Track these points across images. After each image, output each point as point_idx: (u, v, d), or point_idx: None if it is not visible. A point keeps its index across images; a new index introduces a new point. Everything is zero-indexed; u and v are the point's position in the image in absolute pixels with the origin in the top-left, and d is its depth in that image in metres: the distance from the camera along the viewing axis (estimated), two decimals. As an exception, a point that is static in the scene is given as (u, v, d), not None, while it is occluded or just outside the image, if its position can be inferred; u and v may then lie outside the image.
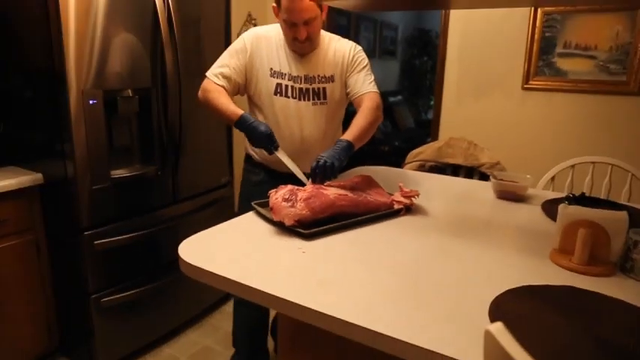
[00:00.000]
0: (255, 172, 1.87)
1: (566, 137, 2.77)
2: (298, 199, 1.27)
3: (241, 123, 1.58)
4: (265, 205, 1.38)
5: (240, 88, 1.75)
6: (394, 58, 7.05)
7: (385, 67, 6.86)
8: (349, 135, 1.56)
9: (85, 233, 1.91)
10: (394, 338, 0.79)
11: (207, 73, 1.72)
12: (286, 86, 1.71)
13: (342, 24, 5.58)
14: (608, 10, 2.53)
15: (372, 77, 1.77)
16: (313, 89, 1.72)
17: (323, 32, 1.75)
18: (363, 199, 1.37)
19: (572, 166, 2.10)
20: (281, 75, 1.71)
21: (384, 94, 6.67)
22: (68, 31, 1.72)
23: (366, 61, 1.79)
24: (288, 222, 1.23)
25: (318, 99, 1.74)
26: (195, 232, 1.27)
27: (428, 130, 3.63)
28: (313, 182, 1.42)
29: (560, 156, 2.29)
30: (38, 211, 1.99)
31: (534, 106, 2.84)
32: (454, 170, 2.31)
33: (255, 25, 3.36)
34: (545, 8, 2.65)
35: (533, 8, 2.70)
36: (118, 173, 2.03)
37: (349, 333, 0.85)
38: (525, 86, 2.83)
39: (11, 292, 1.93)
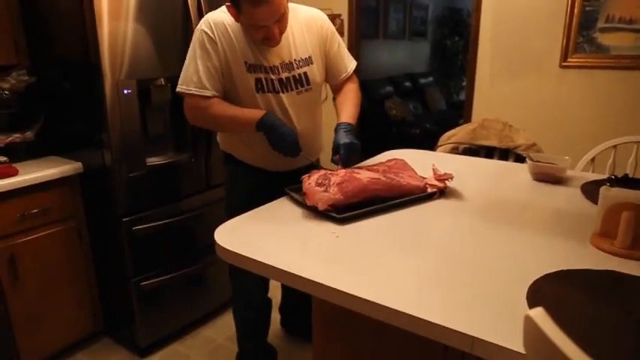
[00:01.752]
0: (248, 173, 1.67)
1: (607, 116, 2.66)
2: (331, 183, 1.27)
3: (266, 126, 1.43)
4: (298, 190, 1.39)
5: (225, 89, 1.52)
6: (424, 39, 6.91)
7: (415, 49, 6.74)
8: (349, 117, 1.54)
9: (124, 220, 1.97)
10: (433, 322, 0.79)
11: (185, 88, 1.46)
12: (266, 80, 1.49)
13: (371, 5, 5.49)
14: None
15: (344, 46, 1.67)
16: (294, 77, 1.52)
17: None
18: (396, 183, 1.36)
19: (614, 147, 2.02)
20: (257, 68, 1.48)
21: (414, 76, 6.54)
22: (102, 25, 1.76)
23: (333, 27, 1.63)
24: (321, 206, 1.23)
25: (302, 86, 1.55)
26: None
27: (460, 112, 3.56)
28: (344, 167, 1.42)
29: (600, 136, 2.20)
30: (79, 199, 2.07)
31: (573, 85, 2.73)
32: (488, 152, 2.26)
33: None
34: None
35: (572, -19, 2.58)
36: (153, 161, 2.08)
37: (384, 316, 0.85)
38: (563, 64, 2.73)
39: (56, 277, 2.03)
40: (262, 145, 1.51)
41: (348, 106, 1.57)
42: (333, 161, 1.46)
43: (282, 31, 1.44)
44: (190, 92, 1.47)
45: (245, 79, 1.49)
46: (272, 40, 1.43)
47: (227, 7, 1.44)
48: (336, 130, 1.51)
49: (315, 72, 1.59)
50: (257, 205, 1.35)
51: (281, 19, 1.40)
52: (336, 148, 1.45)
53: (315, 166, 1.53)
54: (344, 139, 1.44)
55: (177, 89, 1.50)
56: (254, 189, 1.60)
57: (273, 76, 1.51)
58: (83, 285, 2.14)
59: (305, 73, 1.56)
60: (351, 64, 1.67)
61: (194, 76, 1.46)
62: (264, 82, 1.50)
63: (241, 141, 1.64)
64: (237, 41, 1.46)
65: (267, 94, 1.52)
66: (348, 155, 1.43)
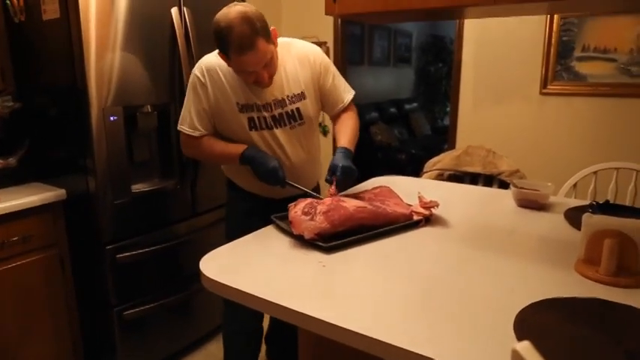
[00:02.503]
0: (244, 198, 1.73)
1: (587, 143, 2.73)
2: (317, 212, 1.27)
3: (246, 159, 1.51)
4: (284, 218, 1.39)
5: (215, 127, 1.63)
6: (409, 65, 7.05)
7: (400, 75, 6.86)
8: (347, 143, 1.57)
9: (107, 247, 1.94)
10: (418, 354, 0.78)
11: (181, 127, 1.60)
12: (258, 118, 1.56)
13: (355, 33, 5.60)
14: (627, 11, 2.49)
15: (342, 77, 1.70)
16: (287, 112, 1.58)
17: None
18: (382, 211, 1.37)
19: (595, 173, 2.07)
20: (249, 108, 1.55)
21: (399, 102, 6.63)
22: (89, 52, 1.76)
23: (329, 61, 1.67)
24: (307, 235, 1.23)
25: (295, 121, 1.60)
26: (215, 245, 1.28)
27: (445, 137, 3.61)
28: (339, 189, 1.45)
29: (581, 162, 2.25)
30: (62, 226, 2.03)
31: (553, 112, 2.80)
32: (473, 179, 2.29)
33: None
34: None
35: (549, 13, 2.68)
36: (139, 188, 2.06)
37: (371, 348, 0.84)
38: (543, 91, 2.80)
39: (36, 307, 1.97)
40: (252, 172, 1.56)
41: (347, 133, 1.61)
42: (327, 181, 1.48)
43: (271, 75, 1.49)
44: (184, 131, 1.60)
45: (238, 118, 1.56)
46: (262, 84, 1.49)
47: (218, 53, 1.50)
48: (335, 152, 1.54)
49: (309, 106, 1.62)
50: (252, 228, 1.39)
51: (269, 64, 1.45)
52: (333, 169, 1.46)
53: (311, 195, 1.53)
54: (342, 161, 1.47)
55: (178, 128, 1.63)
56: (250, 214, 1.65)
57: (266, 114, 1.56)
58: (64, 315, 2.08)
59: (297, 109, 1.60)
60: (347, 95, 1.69)
61: (187, 117, 1.59)
62: (257, 121, 1.57)
63: (237, 169, 1.68)
64: (228, 84, 1.54)
65: (262, 131, 1.58)
66: (345, 178, 1.45)
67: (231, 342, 1.90)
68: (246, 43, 1.36)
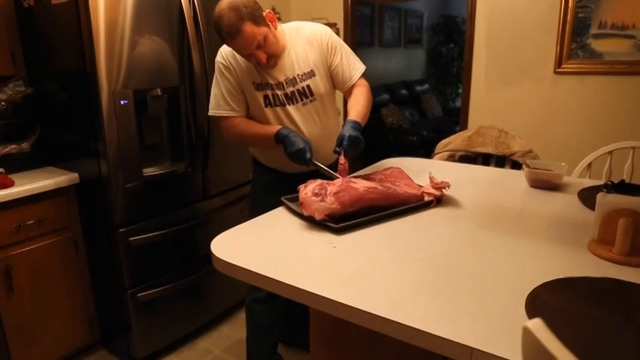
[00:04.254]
0: (266, 173, 1.84)
1: (602, 122, 2.67)
2: (328, 193, 1.27)
3: (280, 138, 1.60)
4: (295, 199, 1.39)
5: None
6: (420, 47, 6.94)
7: (411, 56, 6.77)
8: (355, 116, 1.59)
9: (120, 230, 1.96)
10: (430, 333, 0.79)
11: (215, 112, 1.69)
12: (273, 96, 1.66)
13: (365, 14, 5.52)
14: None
15: (352, 55, 1.74)
16: (298, 90, 1.67)
17: (283, 26, 1.69)
18: (392, 192, 1.36)
19: (610, 152, 2.03)
20: (264, 86, 1.66)
21: (410, 83, 6.56)
22: (98, 35, 1.76)
23: (340, 41, 1.73)
24: (318, 216, 1.23)
25: (306, 98, 1.69)
26: (226, 227, 1.28)
27: (457, 119, 3.57)
28: (346, 157, 1.49)
29: (596, 142, 2.21)
30: (75, 209, 2.06)
31: (568, 91, 2.75)
32: (485, 160, 2.27)
33: (279, 20, 3.36)
34: (578, -12, 2.56)
35: (565, -11, 2.60)
36: (150, 171, 2.07)
37: (382, 328, 0.85)
38: (557, 70, 2.74)
39: (52, 288, 2.01)
40: (273, 150, 1.68)
41: (356, 108, 1.64)
42: (335, 152, 1.51)
43: (270, 54, 1.57)
44: (219, 115, 1.69)
45: (255, 96, 1.67)
46: (261, 65, 1.58)
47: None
48: (344, 125, 1.57)
49: (319, 84, 1.69)
50: (272, 200, 1.48)
51: (263, 45, 1.53)
52: (341, 139, 1.50)
53: (332, 176, 1.55)
54: (350, 132, 1.51)
55: (209, 113, 1.73)
56: (271, 186, 1.79)
57: (279, 92, 1.66)
58: (79, 296, 2.12)
59: (308, 86, 1.68)
60: (356, 72, 1.73)
61: (220, 100, 1.68)
62: (271, 98, 1.66)
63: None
64: (244, 65, 1.65)
65: (275, 108, 1.67)
66: (351, 147, 1.48)
67: (252, 311, 1.94)
68: (233, 30, 1.47)
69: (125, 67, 1.87)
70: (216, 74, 1.69)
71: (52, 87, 2.08)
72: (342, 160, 1.48)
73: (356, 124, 1.55)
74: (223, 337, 2.39)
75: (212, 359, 2.23)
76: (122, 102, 1.88)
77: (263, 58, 1.55)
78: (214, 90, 1.70)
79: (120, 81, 1.86)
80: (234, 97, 1.67)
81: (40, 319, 1.98)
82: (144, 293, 2.07)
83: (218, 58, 1.69)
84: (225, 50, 1.67)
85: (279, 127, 1.63)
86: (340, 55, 1.71)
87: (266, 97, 1.66)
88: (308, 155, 1.55)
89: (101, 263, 2.12)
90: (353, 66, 1.73)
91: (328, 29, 1.73)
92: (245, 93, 1.68)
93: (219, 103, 1.68)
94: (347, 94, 1.75)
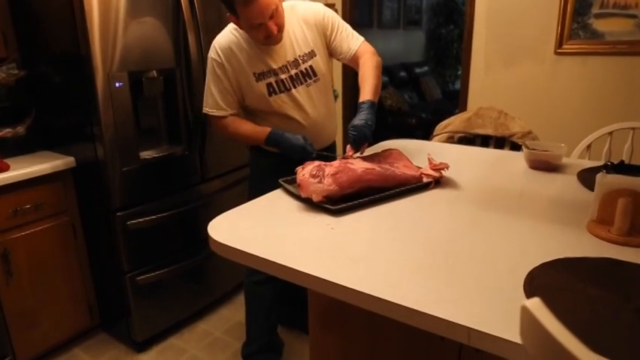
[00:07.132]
0: (266, 156, 1.82)
1: (602, 103, 2.65)
2: (326, 174, 1.26)
3: (272, 141, 1.61)
4: (292, 181, 1.38)
5: (241, 102, 1.72)
6: (419, 28, 6.86)
7: (410, 38, 6.69)
8: (368, 94, 1.59)
9: (118, 214, 1.95)
10: (428, 314, 0.78)
11: (208, 110, 1.68)
12: (277, 82, 1.65)
13: (364, -6, 5.44)
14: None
15: (347, 28, 1.74)
16: (302, 71, 1.67)
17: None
18: (391, 173, 1.35)
19: (610, 133, 2.01)
20: (266, 74, 1.64)
21: (409, 65, 6.49)
22: (92, 17, 1.73)
23: (336, 15, 1.74)
24: (315, 198, 1.22)
25: (310, 78, 1.69)
26: (225, 210, 1.27)
27: (456, 101, 3.54)
28: (355, 149, 1.49)
29: (596, 123, 2.19)
30: (72, 193, 2.05)
31: (568, 72, 2.72)
32: (484, 141, 2.25)
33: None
34: (580, -34, 2.51)
35: (566, -33, 2.56)
36: (147, 154, 2.06)
37: (380, 308, 0.84)
38: (558, 51, 2.71)
39: (51, 272, 2.01)
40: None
41: (367, 83, 1.63)
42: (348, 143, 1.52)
43: (279, 26, 1.54)
44: (211, 113, 1.69)
45: (256, 88, 1.65)
46: (272, 37, 1.55)
47: (228, 16, 1.56)
48: (358, 109, 1.57)
49: (320, 63, 1.70)
50: (271, 183, 1.45)
51: (275, 15, 1.50)
52: (350, 128, 1.51)
53: (327, 156, 1.57)
54: (356, 120, 1.51)
55: (203, 111, 1.71)
56: (270, 168, 1.73)
57: (283, 76, 1.65)
58: (78, 280, 2.12)
59: (310, 67, 1.68)
60: (354, 44, 1.72)
61: (210, 98, 1.67)
62: (275, 85, 1.65)
63: None
64: (243, 58, 1.62)
65: (280, 95, 1.66)
66: (357, 136, 1.49)
67: (252, 294, 1.95)
68: None
69: (120, 49, 1.84)
70: (209, 72, 1.66)
71: (46, 70, 2.05)
72: (349, 151, 1.48)
73: (368, 105, 1.55)
74: (223, 319, 2.41)
75: (212, 341, 2.24)
76: (117, 84, 1.85)
77: (274, 29, 1.52)
78: (206, 88, 1.69)
79: (115, 63, 1.83)
80: (225, 98, 1.66)
81: (39, 303, 1.98)
82: (143, 277, 2.07)
83: (212, 54, 1.65)
84: (219, 45, 1.63)
85: (269, 130, 1.64)
86: (337, 31, 1.71)
87: (269, 85, 1.64)
88: (308, 148, 1.57)
89: (100, 247, 2.11)
90: (352, 38, 1.73)
91: (321, 5, 1.73)
92: (242, 88, 1.65)
93: (208, 101, 1.68)
94: (353, 63, 1.74)
